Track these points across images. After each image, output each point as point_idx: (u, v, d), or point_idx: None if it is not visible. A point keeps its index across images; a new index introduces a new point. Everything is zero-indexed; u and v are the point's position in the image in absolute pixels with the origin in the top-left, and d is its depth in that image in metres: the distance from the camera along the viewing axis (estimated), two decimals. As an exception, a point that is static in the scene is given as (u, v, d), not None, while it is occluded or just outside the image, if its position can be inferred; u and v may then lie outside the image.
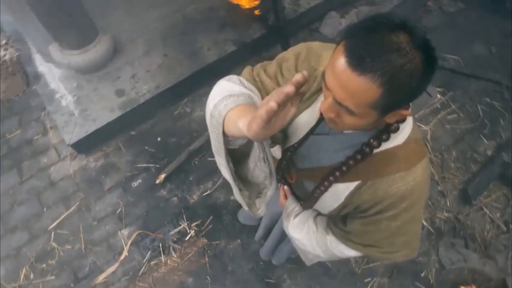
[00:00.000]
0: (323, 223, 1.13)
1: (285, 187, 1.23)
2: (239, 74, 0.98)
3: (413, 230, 0.93)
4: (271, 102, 0.60)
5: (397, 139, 0.83)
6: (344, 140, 0.88)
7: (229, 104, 0.77)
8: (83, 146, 2.40)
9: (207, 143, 2.49)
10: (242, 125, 0.70)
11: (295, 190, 1.23)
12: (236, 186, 0.94)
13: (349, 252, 1.06)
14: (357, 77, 0.62)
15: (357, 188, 0.89)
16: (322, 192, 0.99)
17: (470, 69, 2.87)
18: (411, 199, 0.85)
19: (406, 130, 0.84)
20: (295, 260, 2.12)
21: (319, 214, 1.18)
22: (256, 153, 0.90)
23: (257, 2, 2.75)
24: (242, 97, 0.80)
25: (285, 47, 2.64)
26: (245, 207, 1.00)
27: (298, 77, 0.61)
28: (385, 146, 0.83)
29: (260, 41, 2.74)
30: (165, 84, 2.45)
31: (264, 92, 0.94)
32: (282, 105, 0.61)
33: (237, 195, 0.97)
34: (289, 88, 0.60)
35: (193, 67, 2.54)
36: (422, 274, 2.19)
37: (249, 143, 0.88)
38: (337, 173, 0.90)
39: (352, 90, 0.64)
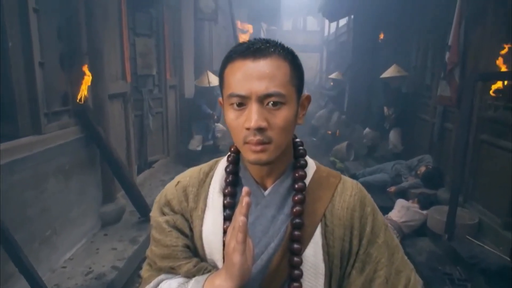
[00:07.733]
0: None
1: None
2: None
3: (394, 239, 0.84)
4: (240, 217, 0.63)
5: (311, 167, 0.85)
6: (272, 198, 0.81)
7: None
8: None
9: None
10: (221, 280, 0.68)
11: None
12: None
13: None
14: (267, 60, 0.71)
15: (324, 232, 0.79)
16: (300, 277, 0.78)
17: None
18: (367, 198, 0.83)
19: (307, 158, 0.86)
20: None
21: None
22: None
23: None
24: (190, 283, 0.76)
25: None
26: None
27: (245, 190, 0.66)
28: (309, 175, 0.83)
29: None
30: None
31: (178, 236, 0.83)
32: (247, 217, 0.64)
33: None
34: (246, 199, 0.64)
35: None
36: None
37: None
38: (296, 233, 0.77)
39: (270, 72, 0.71)
